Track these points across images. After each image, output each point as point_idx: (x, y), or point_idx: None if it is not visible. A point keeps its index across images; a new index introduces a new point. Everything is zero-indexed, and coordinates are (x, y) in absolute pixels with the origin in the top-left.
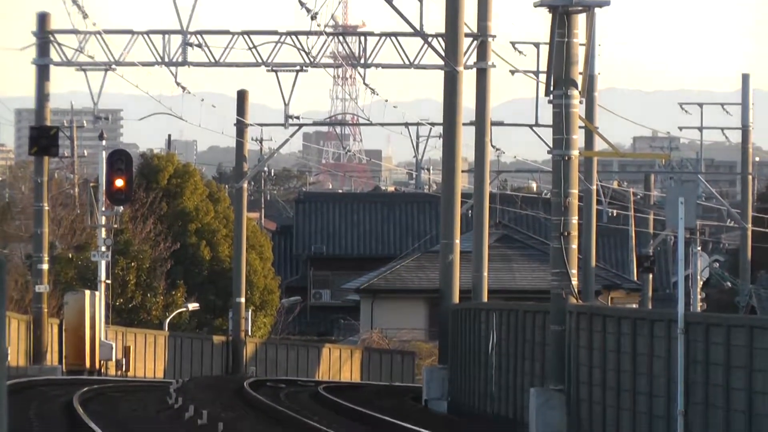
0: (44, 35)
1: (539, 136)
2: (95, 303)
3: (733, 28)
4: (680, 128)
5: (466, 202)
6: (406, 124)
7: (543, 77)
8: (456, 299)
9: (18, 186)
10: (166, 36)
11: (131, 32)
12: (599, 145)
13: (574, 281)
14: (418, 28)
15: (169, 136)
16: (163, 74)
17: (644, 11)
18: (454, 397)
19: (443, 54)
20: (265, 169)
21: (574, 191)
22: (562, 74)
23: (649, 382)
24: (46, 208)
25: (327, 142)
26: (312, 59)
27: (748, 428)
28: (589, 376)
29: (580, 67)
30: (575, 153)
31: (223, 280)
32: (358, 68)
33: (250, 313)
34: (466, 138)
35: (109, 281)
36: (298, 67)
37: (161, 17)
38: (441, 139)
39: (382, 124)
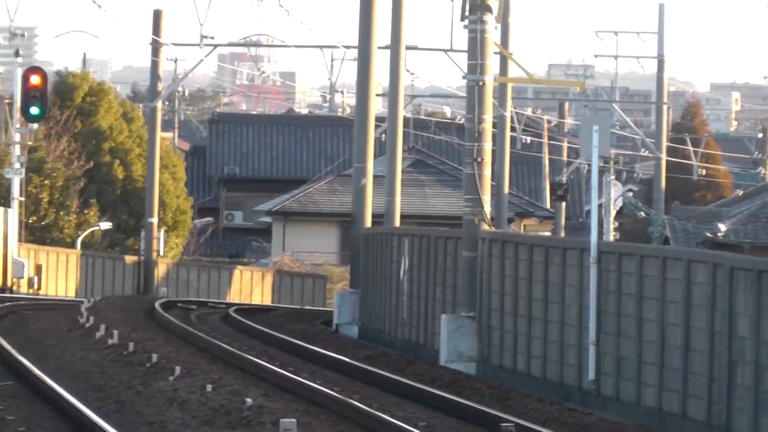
0: None
1: (454, 62)
2: (8, 220)
3: None
4: (595, 56)
5: (380, 126)
6: (321, 47)
7: (458, 1)
8: (368, 224)
9: None
10: None
11: None
12: (514, 71)
13: (487, 207)
14: None
15: (85, 54)
16: None
17: None
18: (365, 322)
19: None
20: (180, 89)
21: (488, 117)
22: None
23: (561, 310)
24: None
25: (241, 63)
26: None
27: (660, 359)
28: (501, 303)
29: None
30: (489, 79)
31: (136, 200)
32: None
33: (162, 233)
34: (380, 62)
35: (22, 198)
36: None
37: None
38: (356, 63)
39: (296, 46)
